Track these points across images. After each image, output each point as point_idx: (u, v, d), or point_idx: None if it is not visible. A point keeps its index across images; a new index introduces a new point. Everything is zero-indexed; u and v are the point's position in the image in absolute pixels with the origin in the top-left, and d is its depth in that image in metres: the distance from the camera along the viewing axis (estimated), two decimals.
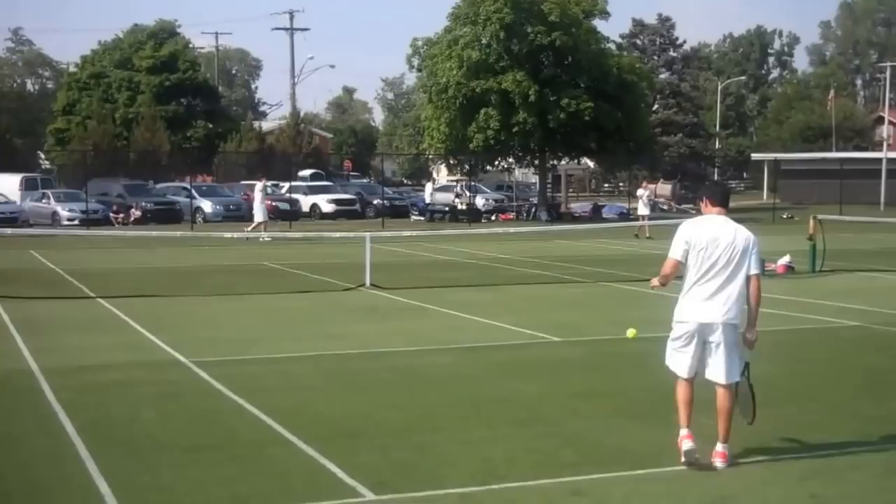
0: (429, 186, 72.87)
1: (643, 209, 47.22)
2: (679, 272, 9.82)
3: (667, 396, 12.55)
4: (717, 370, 9.67)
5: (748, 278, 9.64)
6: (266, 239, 40.09)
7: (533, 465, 9.79)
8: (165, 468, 9.69)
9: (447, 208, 61.18)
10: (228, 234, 34.87)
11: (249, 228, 43.77)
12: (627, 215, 61.52)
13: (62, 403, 12.25)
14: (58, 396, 12.63)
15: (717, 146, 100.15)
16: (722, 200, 10.04)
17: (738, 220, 9.93)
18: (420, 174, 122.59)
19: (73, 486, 9.15)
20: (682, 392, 9.85)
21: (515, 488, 9.10)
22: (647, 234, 43.23)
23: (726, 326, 9.59)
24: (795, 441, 10.52)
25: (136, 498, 8.77)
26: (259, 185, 46.19)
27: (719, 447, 9.64)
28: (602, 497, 8.90)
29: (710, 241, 9.66)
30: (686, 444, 9.54)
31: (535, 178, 74.99)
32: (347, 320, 19.76)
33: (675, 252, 9.80)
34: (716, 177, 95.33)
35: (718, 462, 9.58)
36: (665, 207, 72.34)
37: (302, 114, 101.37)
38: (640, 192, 49.45)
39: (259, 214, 45.12)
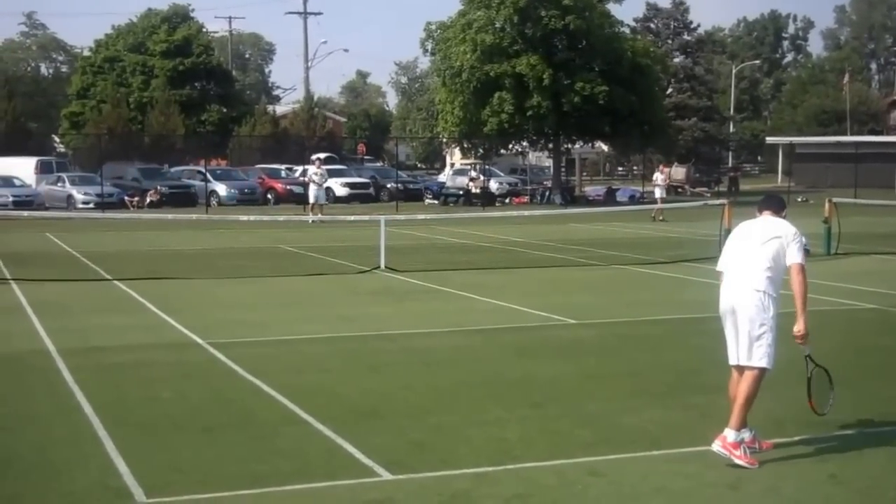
0: (448, 169, 72.78)
1: (659, 192, 47.61)
2: None
3: (681, 377, 12.61)
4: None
5: (789, 268, 9.52)
6: (312, 221, 40.25)
7: (549, 445, 9.82)
8: (183, 448, 9.74)
9: (461, 192, 61.12)
10: (244, 218, 34.86)
11: (311, 211, 43.53)
12: (641, 199, 61.49)
13: (79, 384, 12.29)
14: (75, 377, 12.68)
15: (731, 130, 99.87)
16: (768, 206, 9.95)
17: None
18: (434, 158, 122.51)
19: (92, 466, 9.18)
20: None
21: (531, 468, 9.11)
22: (662, 217, 43.81)
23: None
24: (813, 423, 10.47)
25: (154, 477, 8.80)
26: (314, 168, 46.14)
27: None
28: (618, 477, 8.90)
29: (743, 231, 9.85)
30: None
31: (549, 162, 74.95)
32: (362, 302, 19.81)
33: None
34: (730, 161, 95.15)
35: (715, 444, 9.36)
36: (679, 191, 72.29)
37: (315, 98, 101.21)
38: (656, 175, 49.59)
39: (311, 196, 45.01)
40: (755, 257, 9.51)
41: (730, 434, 9.26)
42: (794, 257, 9.48)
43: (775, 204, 10.03)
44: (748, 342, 9.39)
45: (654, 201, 47.65)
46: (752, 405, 9.44)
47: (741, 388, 9.40)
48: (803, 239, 9.57)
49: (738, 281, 9.54)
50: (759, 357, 9.37)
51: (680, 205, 46.19)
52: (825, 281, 22.09)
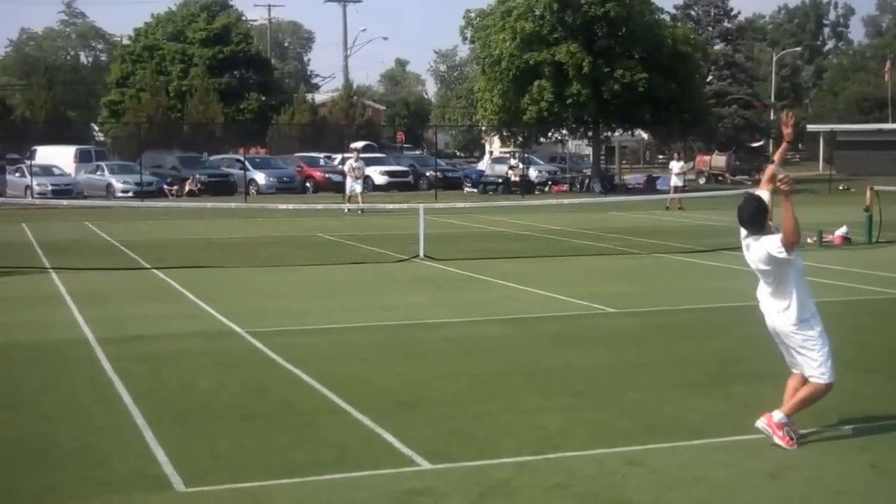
0: (487, 157, 72.68)
1: (676, 181, 47.11)
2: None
3: (723, 367, 12.52)
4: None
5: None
6: (347, 210, 40.17)
7: (589, 434, 9.76)
8: (222, 437, 9.73)
9: (500, 180, 61.01)
10: (283, 206, 34.90)
11: (348, 202, 43.23)
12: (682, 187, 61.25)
13: (118, 372, 12.32)
14: (114, 365, 12.71)
15: (771, 117, 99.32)
16: (748, 228, 9.77)
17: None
18: (473, 146, 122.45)
19: (131, 455, 9.19)
20: None
21: (571, 458, 9.07)
22: (680, 206, 43.67)
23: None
24: (854, 412, 10.40)
25: (193, 466, 8.81)
26: (352, 160, 46.09)
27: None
28: (659, 467, 8.83)
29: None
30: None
31: (588, 150, 74.70)
32: (401, 291, 19.78)
33: None
34: (770, 148, 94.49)
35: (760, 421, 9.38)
36: (720, 179, 71.91)
37: (355, 86, 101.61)
38: (672, 163, 49.21)
39: (348, 188, 44.87)
40: (770, 296, 9.42)
41: (777, 414, 9.28)
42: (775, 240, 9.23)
43: (755, 226, 9.69)
44: (803, 362, 9.37)
45: (690, 189, 47.34)
46: (808, 407, 9.44)
47: (807, 390, 9.35)
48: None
49: (769, 313, 9.48)
50: (820, 375, 9.28)
51: (720, 193, 45.91)
52: (866, 269, 21.96)
